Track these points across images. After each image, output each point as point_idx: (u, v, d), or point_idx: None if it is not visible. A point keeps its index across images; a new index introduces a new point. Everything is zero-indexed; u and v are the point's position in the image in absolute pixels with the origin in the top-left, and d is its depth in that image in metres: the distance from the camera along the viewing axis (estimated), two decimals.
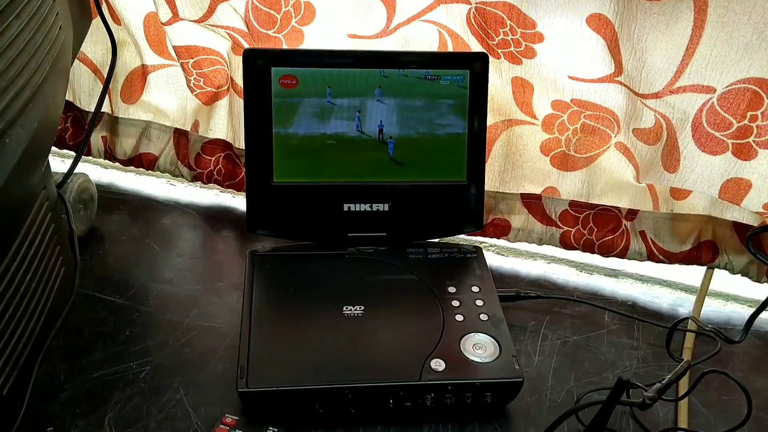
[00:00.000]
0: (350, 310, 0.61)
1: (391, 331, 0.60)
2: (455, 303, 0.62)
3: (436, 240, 0.71)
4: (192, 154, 0.82)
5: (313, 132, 0.67)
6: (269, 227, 0.69)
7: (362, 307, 0.61)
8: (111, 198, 0.82)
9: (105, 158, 0.85)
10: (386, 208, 0.68)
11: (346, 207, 0.68)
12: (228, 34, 0.71)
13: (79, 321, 0.64)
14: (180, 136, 0.83)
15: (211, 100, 0.79)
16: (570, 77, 0.66)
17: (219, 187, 0.83)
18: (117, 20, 0.77)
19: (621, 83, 0.65)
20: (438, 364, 0.56)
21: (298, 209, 0.68)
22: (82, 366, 0.60)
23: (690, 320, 0.67)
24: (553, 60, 0.66)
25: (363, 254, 0.68)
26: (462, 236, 0.76)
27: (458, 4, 0.66)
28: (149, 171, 0.84)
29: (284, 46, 0.70)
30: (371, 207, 0.68)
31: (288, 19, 0.69)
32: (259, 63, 0.65)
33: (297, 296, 0.63)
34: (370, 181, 0.68)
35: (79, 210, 0.74)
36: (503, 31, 0.65)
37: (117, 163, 0.85)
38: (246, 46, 0.71)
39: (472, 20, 0.66)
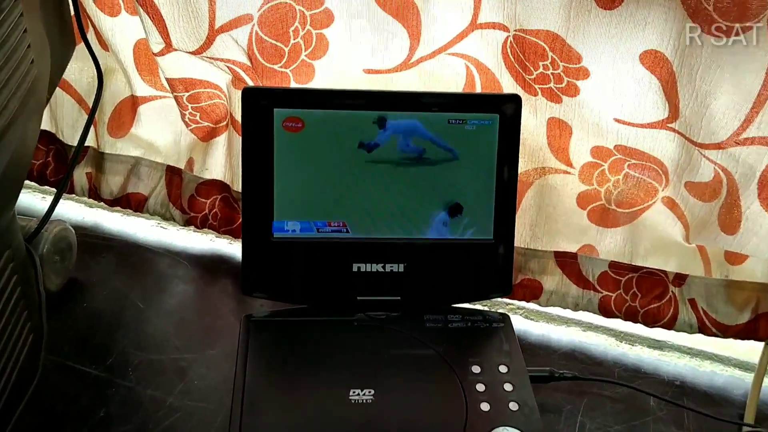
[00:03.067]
0: (358, 395, 0.53)
1: (405, 423, 0.51)
2: (480, 388, 0.54)
3: (458, 306, 0.62)
4: (185, 196, 0.74)
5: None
6: (268, 290, 0.61)
7: (372, 392, 0.53)
8: (94, 243, 0.74)
9: (89, 197, 0.77)
10: (401, 269, 0.61)
11: (355, 267, 0.60)
12: (228, 67, 0.63)
13: (49, 396, 0.56)
14: (173, 174, 0.75)
15: (208, 136, 0.71)
16: (616, 120, 0.59)
17: (214, 232, 0.75)
18: (105, 46, 0.70)
19: (675, 130, 0.58)
20: None
21: (300, 269, 0.60)
22: None
23: None
24: (597, 100, 0.58)
25: (374, 321, 0.60)
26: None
27: (495, 30, 0.58)
28: (138, 212, 0.76)
29: (292, 83, 0.62)
30: (384, 267, 0.61)
31: (297, 52, 0.61)
32: (259, 103, 0.57)
33: (297, 374, 0.55)
34: (383, 238, 0.60)
35: (55, 261, 0.65)
36: (543, 65, 0.58)
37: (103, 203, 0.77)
38: (249, 81, 0.63)
39: (509, 50, 0.59)
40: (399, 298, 0.61)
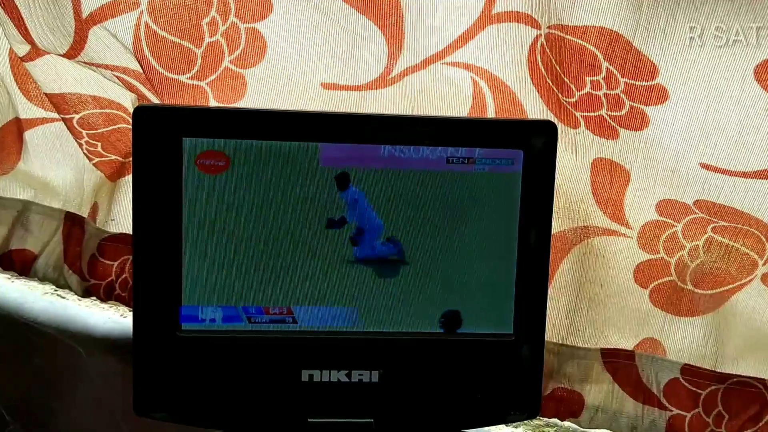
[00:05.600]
0: None
1: None
2: None
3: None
4: (85, 256, 0.54)
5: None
6: (172, 408, 0.43)
7: None
8: None
9: None
10: (375, 378, 0.44)
11: (305, 375, 0.43)
12: (119, 78, 0.43)
13: None
14: (72, 225, 0.56)
15: (116, 174, 0.53)
16: (703, 165, 0.44)
17: (124, 306, 0.55)
18: None
19: None
20: None
21: (222, 377, 0.42)
22: None
23: None
24: (676, 135, 0.44)
25: None
26: None
27: (519, 24, 0.42)
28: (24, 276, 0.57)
29: (212, 101, 0.44)
30: (349, 375, 0.43)
31: (217, 56, 0.43)
32: (160, 130, 0.39)
33: None
34: (347, 332, 0.43)
35: None
36: (593, 81, 0.42)
37: None
38: (151, 97, 0.44)
39: (538, 58, 0.43)
40: (371, 420, 0.44)
